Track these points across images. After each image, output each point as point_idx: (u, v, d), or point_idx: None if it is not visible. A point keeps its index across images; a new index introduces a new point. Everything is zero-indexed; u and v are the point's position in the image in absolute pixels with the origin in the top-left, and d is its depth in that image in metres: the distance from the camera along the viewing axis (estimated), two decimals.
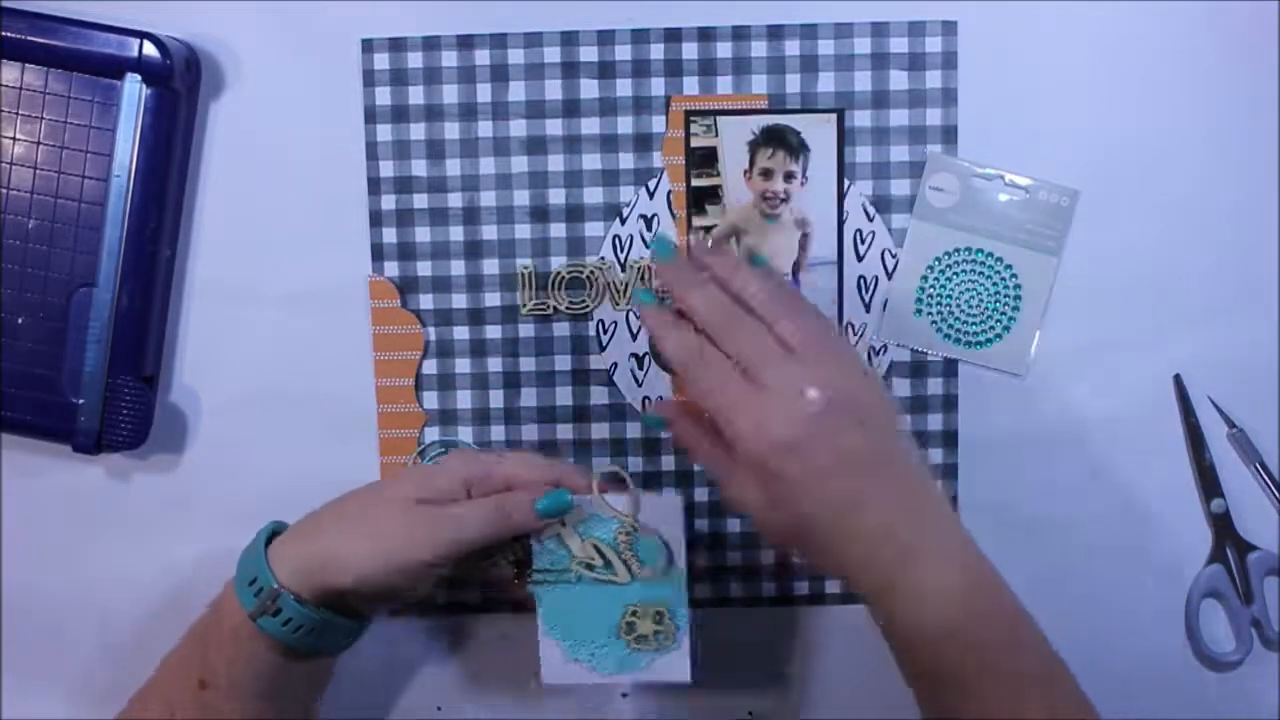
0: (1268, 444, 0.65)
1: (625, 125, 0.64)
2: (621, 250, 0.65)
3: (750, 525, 0.54)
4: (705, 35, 0.64)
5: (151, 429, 0.64)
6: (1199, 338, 0.65)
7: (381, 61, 0.64)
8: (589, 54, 0.64)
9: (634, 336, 0.66)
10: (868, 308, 0.65)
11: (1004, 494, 0.66)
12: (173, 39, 0.62)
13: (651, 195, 0.65)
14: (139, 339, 0.63)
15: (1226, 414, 0.65)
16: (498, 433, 0.66)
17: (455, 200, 0.65)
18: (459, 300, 0.65)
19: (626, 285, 0.65)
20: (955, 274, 0.65)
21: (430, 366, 0.66)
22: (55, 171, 0.62)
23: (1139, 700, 0.66)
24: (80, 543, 0.67)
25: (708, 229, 0.65)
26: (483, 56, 0.64)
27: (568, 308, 0.65)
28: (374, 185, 0.65)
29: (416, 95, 0.64)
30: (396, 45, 0.64)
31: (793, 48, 0.64)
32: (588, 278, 0.65)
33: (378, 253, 0.65)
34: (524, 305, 0.65)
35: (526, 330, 0.66)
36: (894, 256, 0.65)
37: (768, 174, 0.65)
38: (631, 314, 0.66)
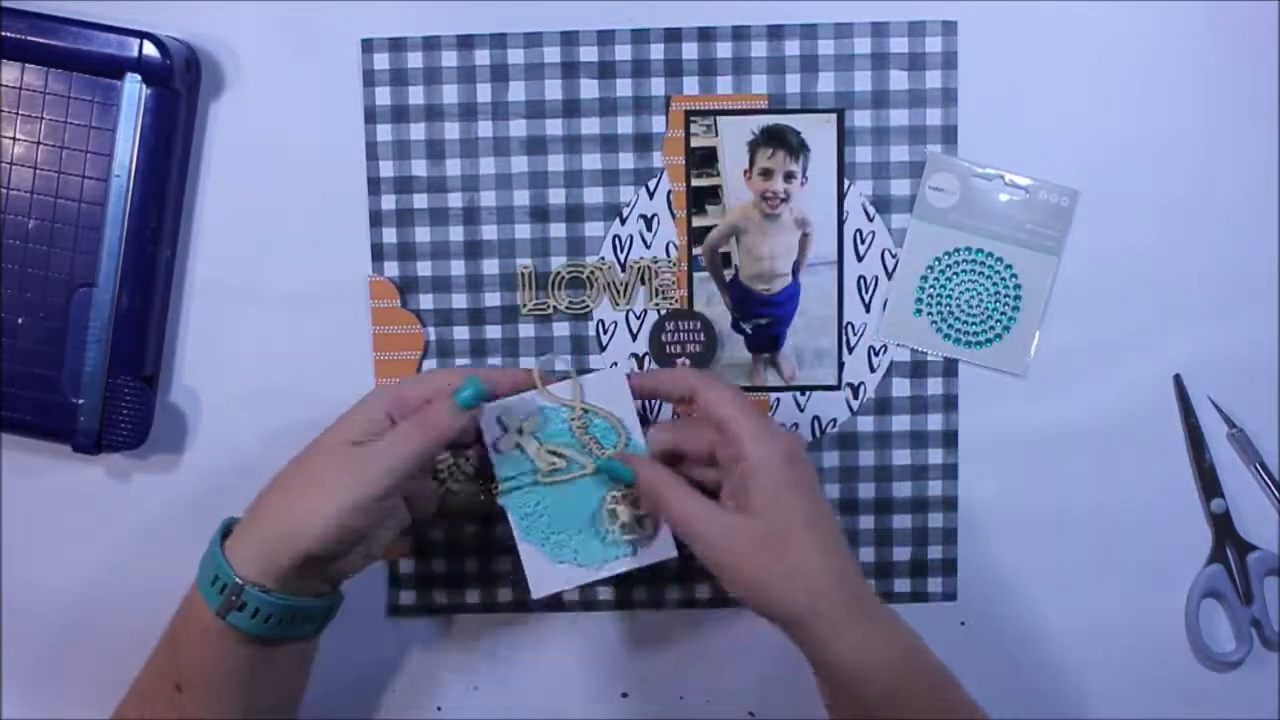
0: (1268, 444, 0.65)
1: (625, 125, 0.64)
2: (621, 250, 0.65)
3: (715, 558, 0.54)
4: (705, 35, 0.64)
5: (151, 429, 0.64)
6: (1199, 338, 0.65)
7: (381, 61, 0.64)
8: (589, 54, 0.64)
9: (634, 337, 0.66)
10: (868, 308, 0.65)
11: (1004, 494, 0.66)
12: (173, 39, 0.62)
13: (651, 195, 0.65)
14: (139, 339, 0.63)
15: (1226, 414, 0.65)
16: None
17: (455, 200, 0.65)
18: (459, 300, 0.65)
19: (626, 285, 0.65)
20: (955, 274, 0.65)
21: (430, 366, 0.66)
22: (55, 171, 0.62)
23: (1139, 700, 0.66)
24: (80, 543, 0.67)
25: (707, 229, 0.65)
26: (483, 56, 0.64)
27: (568, 308, 0.65)
28: (374, 185, 0.65)
29: (416, 95, 0.64)
30: (396, 45, 0.64)
31: (793, 48, 0.64)
32: (588, 278, 0.65)
33: (378, 253, 0.65)
34: (524, 305, 0.65)
35: (526, 330, 0.66)
36: (894, 256, 0.65)
37: (768, 174, 0.65)
38: (631, 314, 0.66)
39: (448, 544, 0.67)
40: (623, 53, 0.64)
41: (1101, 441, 0.65)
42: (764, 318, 0.65)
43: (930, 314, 0.65)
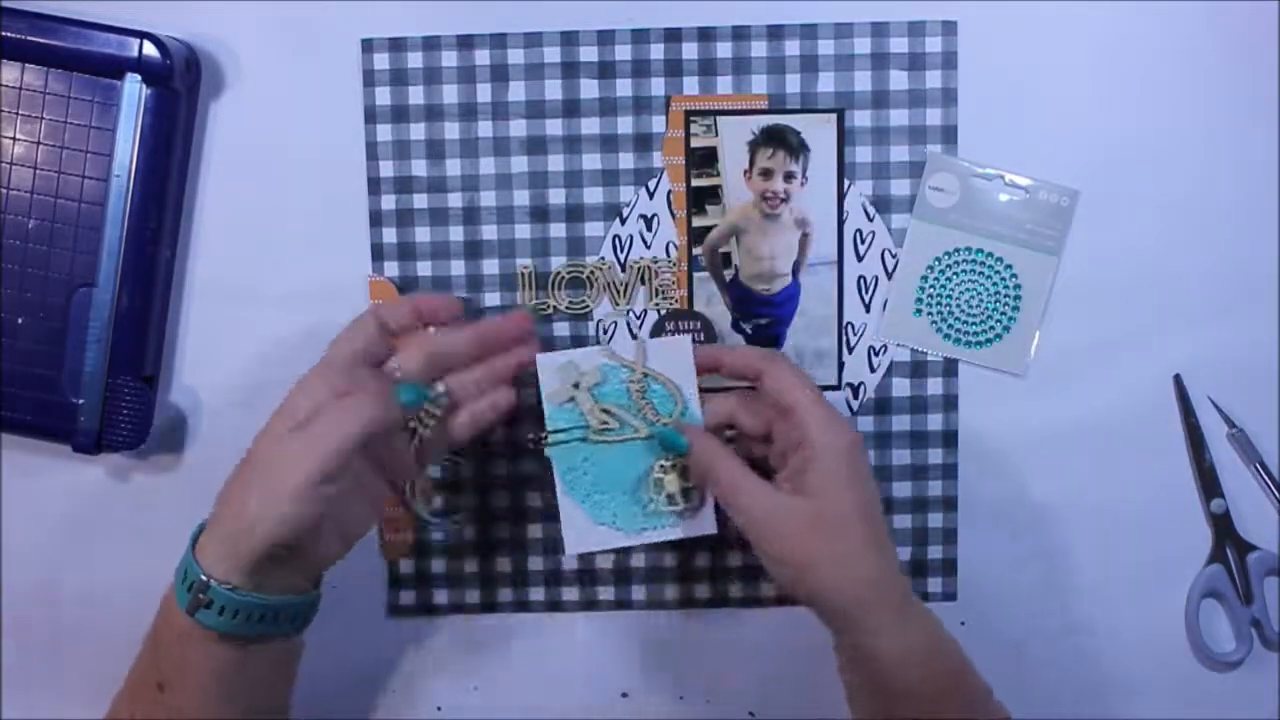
0: (1268, 444, 0.65)
1: (625, 125, 0.64)
2: (621, 250, 0.65)
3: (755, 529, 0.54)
4: (705, 35, 0.64)
5: (151, 429, 0.64)
6: (1199, 338, 0.65)
7: (381, 61, 0.64)
8: (589, 54, 0.64)
9: (634, 337, 0.66)
10: (868, 308, 0.65)
11: (1004, 494, 0.66)
12: (173, 39, 0.62)
13: (651, 195, 0.65)
14: (139, 339, 0.63)
15: (1226, 414, 0.65)
16: (497, 433, 0.66)
17: (455, 200, 0.65)
18: None
19: (626, 285, 0.65)
20: (955, 274, 0.65)
21: None
22: (55, 171, 0.62)
23: (1139, 700, 0.66)
24: (80, 543, 0.67)
25: (707, 229, 0.65)
26: (483, 56, 0.64)
27: (568, 308, 0.65)
28: (374, 185, 0.65)
29: (416, 95, 0.64)
30: (396, 45, 0.64)
31: (793, 48, 0.64)
32: (588, 278, 0.65)
33: (378, 253, 0.65)
34: (524, 305, 0.65)
35: None
36: (894, 256, 0.65)
37: (768, 174, 0.65)
38: (631, 314, 0.66)
39: (448, 544, 0.67)
40: (623, 53, 0.64)
41: (1101, 441, 0.65)
42: (764, 318, 0.65)
43: (930, 314, 0.65)
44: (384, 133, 0.64)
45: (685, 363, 0.58)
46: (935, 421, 0.66)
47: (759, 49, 0.64)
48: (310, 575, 0.56)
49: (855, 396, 0.66)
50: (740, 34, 0.64)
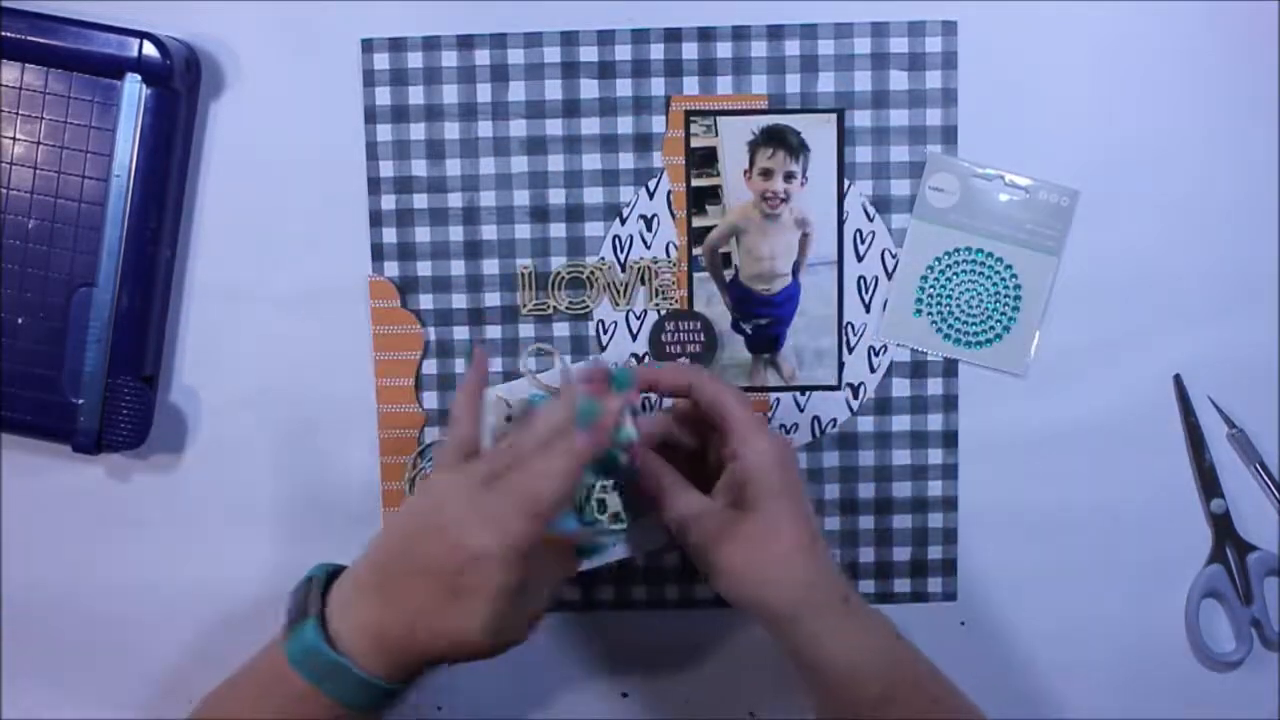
0: (1268, 444, 0.65)
1: (625, 125, 0.64)
2: (621, 250, 0.65)
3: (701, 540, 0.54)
4: (705, 35, 0.64)
5: (151, 429, 0.64)
6: (1199, 338, 0.65)
7: (381, 61, 0.64)
8: (589, 54, 0.64)
9: (634, 337, 0.66)
10: (868, 308, 0.65)
11: (1004, 494, 0.66)
12: (173, 39, 0.62)
13: (651, 195, 0.65)
14: (139, 339, 0.63)
15: (1226, 414, 0.65)
16: None
17: (455, 200, 0.65)
18: (459, 300, 0.65)
19: (626, 285, 0.65)
20: (955, 274, 0.65)
21: (430, 366, 0.66)
22: (55, 171, 0.62)
23: (1139, 700, 0.66)
24: (80, 543, 0.67)
25: (707, 229, 0.65)
26: (483, 56, 0.64)
27: (568, 308, 0.65)
28: (374, 185, 0.65)
29: (416, 95, 0.64)
30: (396, 45, 0.64)
31: (793, 48, 0.64)
32: (588, 278, 0.65)
33: (378, 253, 0.65)
34: (524, 305, 0.65)
35: (526, 330, 0.66)
36: (894, 256, 0.65)
37: (768, 174, 0.65)
38: (631, 314, 0.66)
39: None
40: (623, 53, 0.64)
41: (1101, 441, 0.65)
42: (764, 318, 0.65)
43: (930, 314, 0.65)
44: (384, 133, 0.64)
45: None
46: (935, 421, 0.66)
47: (759, 49, 0.64)
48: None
49: (855, 396, 0.66)
50: (740, 34, 0.64)
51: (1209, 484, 0.65)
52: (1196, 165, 0.64)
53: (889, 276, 0.65)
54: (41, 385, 0.63)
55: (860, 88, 0.64)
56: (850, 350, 0.65)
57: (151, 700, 0.67)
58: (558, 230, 0.65)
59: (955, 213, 0.64)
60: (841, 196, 0.65)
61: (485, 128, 0.64)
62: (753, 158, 0.64)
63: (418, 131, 0.64)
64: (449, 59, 0.64)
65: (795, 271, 0.65)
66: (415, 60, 0.64)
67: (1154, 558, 0.66)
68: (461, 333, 0.66)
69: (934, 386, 0.66)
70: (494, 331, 0.65)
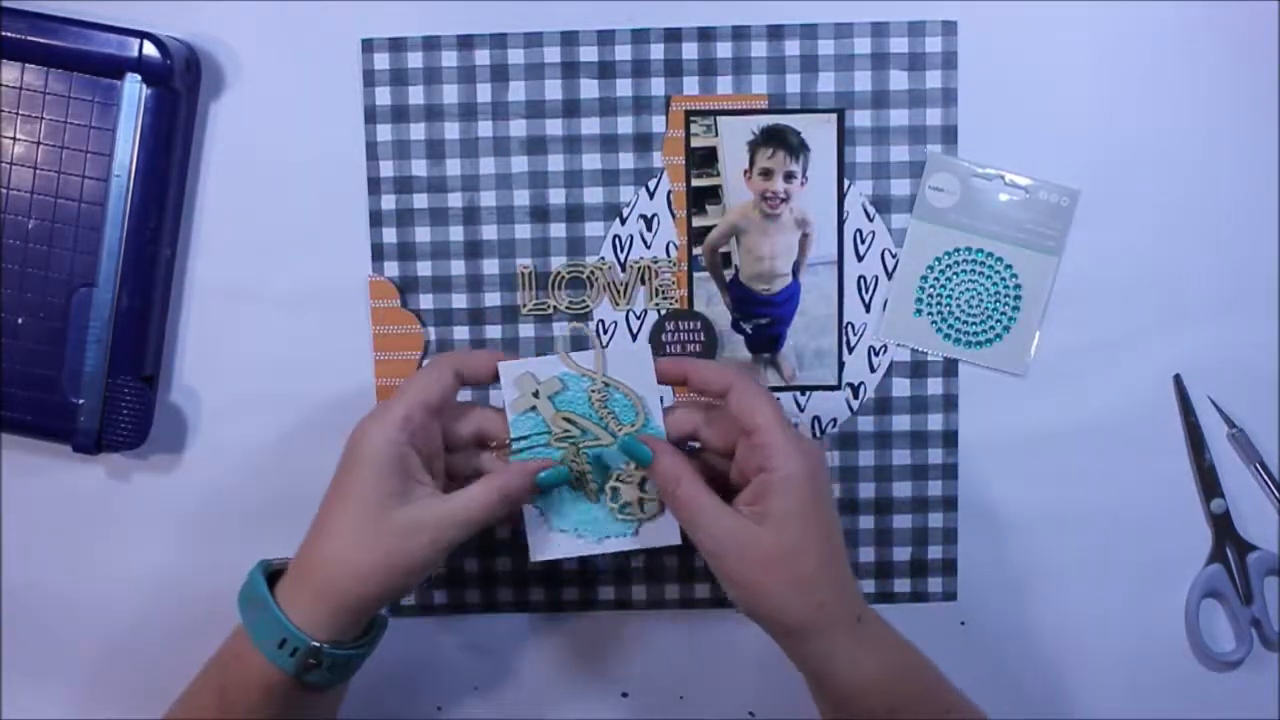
0: (1268, 444, 0.65)
1: (625, 125, 0.64)
2: (621, 250, 0.65)
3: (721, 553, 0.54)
4: (705, 35, 0.64)
5: (151, 429, 0.64)
6: (1199, 338, 0.65)
7: (381, 61, 0.64)
8: (589, 54, 0.64)
9: (634, 337, 0.66)
10: (868, 308, 0.65)
11: (1004, 494, 0.66)
12: (173, 39, 0.62)
13: (651, 195, 0.65)
14: (139, 339, 0.63)
15: (1226, 414, 0.65)
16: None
17: (455, 200, 0.65)
18: (459, 300, 0.65)
19: (626, 285, 0.65)
20: (955, 274, 0.65)
21: None
22: (55, 171, 0.62)
23: (1139, 700, 0.66)
24: (80, 543, 0.67)
25: (707, 229, 0.65)
26: (483, 56, 0.64)
27: (568, 307, 0.65)
28: (374, 185, 0.65)
29: (416, 95, 0.64)
30: (396, 45, 0.64)
31: (793, 48, 0.64)
32: (588, 278, 0.65)
33: (378, 253, 0.65)
34: (524, 305, 0.65)
35: (526, 330, 0.66)
36: (894, 256, 0.65)
37: (768, 174, 0.65)
38: (631, 314, 0.66)
39: None
40: (623, 53, 0.64)
41: (1101, 441, 0.65)
42: (764, 318, 0.65)
43: (930, 314, 0.65)
44: (384, 133, 0.64)
45: (646, 372, 0.57)
46: (935, 421, 0.66)
47: (759, 49, 0.64)
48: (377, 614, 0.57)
49: (855, 396, 0.66)
50: (740, 34, 0.64)
51: (1209, 484, 0.65)
52: (1196, 165, 0.64)
53: (889, 276, 0.65)
54: (41, 385, 0.63)
55: (860, 88, 0.64)
56: (850, 350, 0.65)
57: (151, 700, 0.67)
58: (558, 230, 0.65)
59: (955, 213, 0.64)
60: (841, 196, 0.65)
61: (485, 128, 0.64)
62: (753, 158, 0.64)
63: (418, 131, 0.64)
64: (449, 59, 0.64)
65: (795, 271, 0.65)
66: (415, 60, 0.64)
67: (1154, 558, 0.66)
68: (461, 333, 0.66)
69: (934, 386, 0.66)
70: (494, 331, 0.65)
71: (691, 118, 0.64)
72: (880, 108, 0.64)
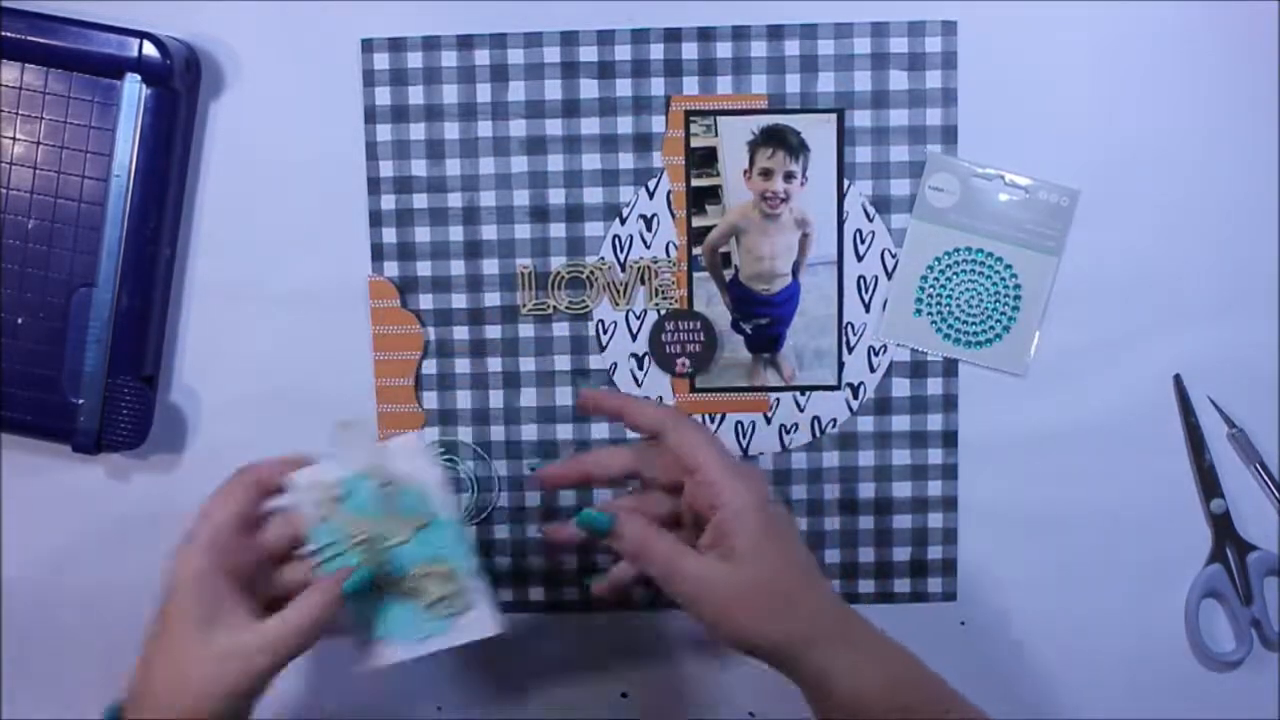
0: (1268, 444, 0.65)
1: (625, 125, 0.64)
2: (621, 250, 0.65)
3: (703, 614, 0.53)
4: (705, 35, 0.64)
5: (151, 429, 0.64)
6: (1199, 338, 0.65)
7: (381, 61, 0.64)
8: (589, 54, 0.64)
9: (634, 337, 0.66)
10: (868, 308, 0.65)
11: (1004, 494, 0.66)
12: (173, 39, 0.62)
13: (651, 195, 0.65)
14: (139, 339, 0.63)
15: (1226, 414, 0.65)
16: (497, 433, 0.66)
17: (455, 200, 0.65)
18: (459, 300, 0.65)
19: (626, 285, 0.65)
20: (955, 274, 0.65)
21: (430, 366, 0.66)
22: (55, 171, 0.63)
23: (1139, 700, 0.66)
24: (80, 543, 0.67)
25: (707, 229, 0.65)
26: (483, 56, 0.64)
27: (567, 307, 0.65)
28: (374, 185, 0.65)
29: (416, 95, 0.64)
30: (396, 45, 0.64)
31: (793, 48, 0.64)
32: (588, 278, 0.65)
33: (378, 253, 0.65)
34: (524, 305, 0.65)
35: (526, 330, 0.66)
36: (894, 256, 0.65)
37: (768, 174, 0.65)
38: (631, 314, 0.66)
39: None
40: (623, 53, 0.64)
41: (1101, 441, 0.65)
42: (764, 318, 0.65)
43: (930, 314, 0.65)
44: (384, 133, 0.64)
45: (424, 459, 0.55)
46: (935, 421, 0.66)
47: (759, 49, 0.64)
48: None
49: (855, 396, 0.66)
50: (740, 34, 0.64)
51: (1209, 484, 0.65)
52: (1196, 165, 0.64)
53: (889, 276, 0.65)
54: (41, 385, 0.63)
55: (860, 88, 0.64)
56: (850, 350, 0.65)
57: None
58: (558, 230, 0.65)
59: (955, 213, 0.64)
60: (841, 196, 0.65)
61: (485, 128, 0.64)
62: (753, 158, 0.64)
63: (418, 131, 0.64)
64: (449, 59, 0.64)
65: (795, 271, 0.65)
66: (415, 60, 0.64)
67: (1154, 558, 0.66)
68: (461, 333, 0.66)
69: (934, 386, 0.66)
70: (494, 331, 0.65)
71: (691, 118, 0.64)
72: (880, 108, 0.64)
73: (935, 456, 0.66)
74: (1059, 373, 0.65)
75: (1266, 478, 0.65)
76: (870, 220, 0.65)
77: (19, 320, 0.63)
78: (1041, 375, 0.65)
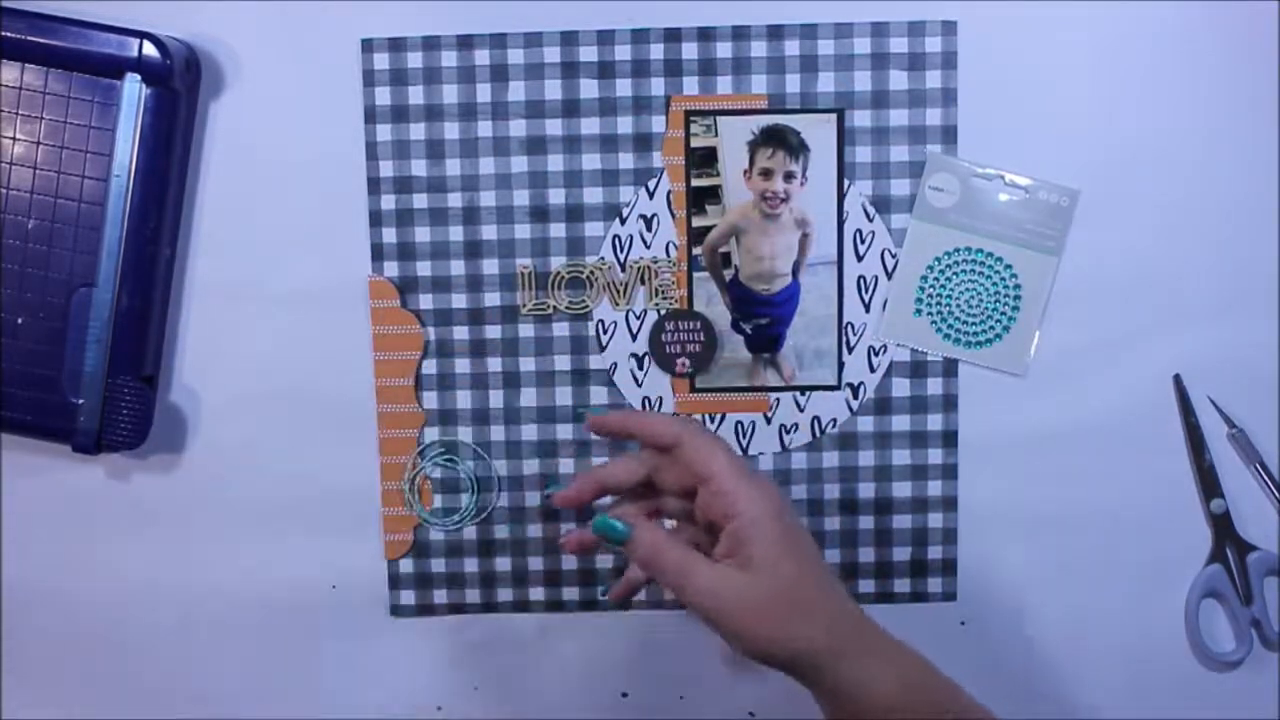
0: (1268, 444, 0.65)
1: (625, 125, 0.64)
2: (621, 250, 0.65)
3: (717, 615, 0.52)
4: (705, 35, 0.64)
5: (151, 429, 0.64)
6: (1199, 338, 0.65)
7: (381, 61, 0.64)
8: (589, 54, 0.64)
9: (634, 337, 0.66)
10: (868, 308, 0.65)
11: (1004, 494, 0.66)
12: (173, 39, 0.62)
13: (651, 195, 0.65)
14: (139, 339, 0.63)
15: (1226, 414, 0.65)
16: (497, 433, 0.66)
17: (455, 200, 0.65)
18: (459, 300, 0.65)
19: (626, 285, 0.65)
20: (955, 274, 0.65)
21: (430, 366, 0.66)
22: (55, 171, 0.62)
23: (1139, 700, 0.66)
24: (80, 543, 0.67)
25: (707, 229, 0.65)
26: (483, 56, 0.64)
27: (567, 307, 0.65)
28: (374, 185, 0.65)
29: (416, 95, 0.64)
30: (396, 45, 0.64)
31: (793, 48, 0.64)
32: (588, 278, 0.65)
33: (378, 253, 0.65)
34: (524, 305, 0.65)
35: (526, 330, 0.66)
36: (894, 256, 0.65)
37: (768, 174, 0.65)
38: (631, 314, 0.66)
39: (447, 544, 0.67)
40: (623, 53, 0.64)
41: (1101, 441, 0.65)
42: (764, 318, 0.65)
43: (930, 314, 0.65)
44: (384, 133, 0.64)
45: None
46: (935, 421, 0.66)
47: (759, 49, 0.64)
48: None
49: (855, 396, 0.66)
50: (740, 34, 0.64)
51: (1209, 484, 0.65)
52: (1196, 165, 0.64)
53: (889, 276, 0.65)
54: (41, 385, 0.63)
55: (860, 88, 0.64)
56: (850, 350, 0.65)
57: (151, 700, 0.67)
58: (558, 230, 0.65)
59: (955, 213, 0.64)
60: (841, 196, 0.65)
61: (485, 128, 0.64)
62: (753, 158, 0.64)
63: (418, 131, 0.64)
64: (449, 59, 0.64)
65: (795, 271, 0.65)
66: (415, 60, 0.64)
67: (1154, 558, 0.66)
68: (461, 333, 0.66)
69: (934, 386, 0.66)
70: (494, 331, 0.65)
71: (691, 118, 0.64)
72: (880, 108, 0.64)
73: (935, 456, 0.66)
74: (1059, 373, 0.65)
75: (1266, 478, 0.65)
76: (870, 220, 0.65)
77: (19, 320, 0.63)
78: (1041, 375, 0.65)
